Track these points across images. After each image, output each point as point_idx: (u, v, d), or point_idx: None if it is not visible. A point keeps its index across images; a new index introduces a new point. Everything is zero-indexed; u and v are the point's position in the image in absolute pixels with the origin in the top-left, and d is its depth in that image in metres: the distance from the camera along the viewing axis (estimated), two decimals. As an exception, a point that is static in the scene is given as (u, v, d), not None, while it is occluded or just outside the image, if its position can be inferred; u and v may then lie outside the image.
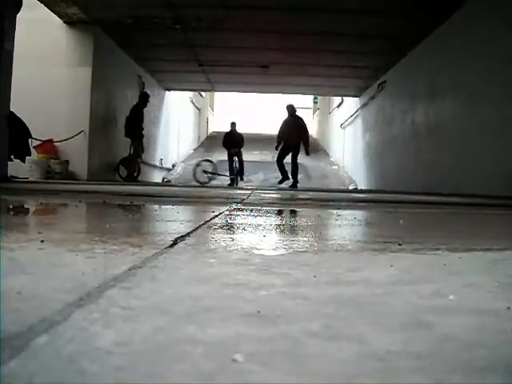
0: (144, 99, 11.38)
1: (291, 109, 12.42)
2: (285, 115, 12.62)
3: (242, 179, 14.70)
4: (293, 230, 2.07)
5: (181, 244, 1.46)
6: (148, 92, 11.87)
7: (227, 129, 15.11)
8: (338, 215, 3.08)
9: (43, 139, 9.09)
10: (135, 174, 11.42)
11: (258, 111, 34.13)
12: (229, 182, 14.58)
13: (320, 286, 0.97)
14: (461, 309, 0.82)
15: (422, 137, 10.03)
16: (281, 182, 12.69)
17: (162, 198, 4.82)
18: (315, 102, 28.50)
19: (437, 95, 9.22)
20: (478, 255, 1.45)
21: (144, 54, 11.99)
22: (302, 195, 6.41)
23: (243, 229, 2.06)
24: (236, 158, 14.62)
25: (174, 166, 17.59)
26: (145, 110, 11.49)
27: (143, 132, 11.65)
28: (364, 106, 14.86)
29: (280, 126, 12.55)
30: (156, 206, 3.66)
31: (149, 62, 12.71)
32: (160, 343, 0.62)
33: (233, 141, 14.44)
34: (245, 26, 9.65)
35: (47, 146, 9.35)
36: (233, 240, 1.65)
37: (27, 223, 2.25)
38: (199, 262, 1.20)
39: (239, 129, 15.01)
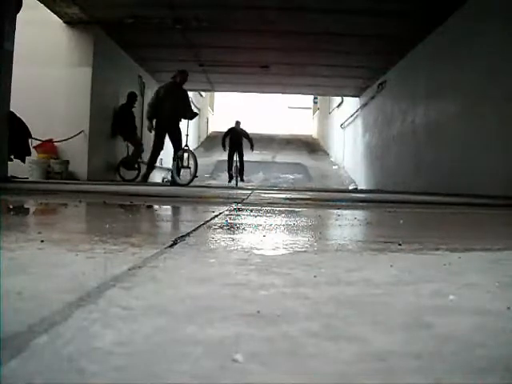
0: (131, 99, 11.32)
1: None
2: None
3: (242, 180, 14.71)
4: (293, 230, 2.07)
5: (181, 244, 1.46)
6: (135, 91, 11.81)
7: (226, 129, 15.15)
8: (338, 215, 3.08)
9: (43, 139, 9.09)
10: (134, 176, 11.39)
11: (257, 111, 34.12)
12: (228, 179, 14.62)
13: (320, 285, 0.97)
14: (461, 309, 0.82)
15: (421, 137, 10.03)
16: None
17: (162, 197, 4.82)
18: (315, 102, 28.53)
19: (437, 95, 9.22)
20: (478, 255, 1.45)
21: (144, 54, 11.99)
22: (302, 195, 6.41)
23: (243, 229, 2.06)
24: (237, 158, 14.65)
25: (174, 166, 17.58)
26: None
27: (136, 131, 11.62)
28: (364, 106, 14.86)
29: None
30: (156, 206, 3.66)
31: (149, 62, 12.71)
32: (160, 343, 0.61)
33: (235, 136, 14.49)
34: (245, 26, 9.65)
35: (47, 146, 9.35)
36: (233, 240, 1.65)
37: (27, 223, 2.25)
38: (199, 261, 1.20)
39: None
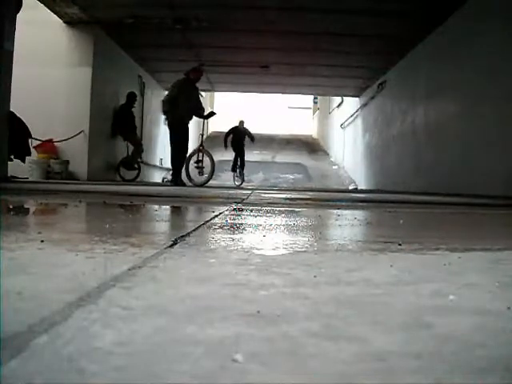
0: (131, 99, 11.34)
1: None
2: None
3: (242, 180, 14.73)
4: (293, 230, 2.07)
5: (181, 244, 1.46)
6: (135, 91, 11.83)
7: (227, 129, 15.16)
8: (338, 215, 3.08)
9: (43, 139, 9.09)
10: (134, 176, 11.42)
11: (257, 111, 34.12)
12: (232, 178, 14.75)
13: (320, 285, 0.97)
14: (461, 309, 0.82)
15: (421, 137, 10.03)
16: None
17: (161, 197, 4.82)
18: (315, 102, 28.53)
19: (437, 95, 9.22)
20: (478, 255, 1.45)
21: (144, 54, 11.98)
22: (302, 195, 6.41)
23: (243, 229, 2.06)
24: (239, 158, 14.69)
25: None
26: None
27: (136, 131, 11.64)
28: (364, 106, 14.86)
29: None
30: (156, 206, 3.66)
31: (149, 62, 12.72)
32: (160, 343, 0.61)
33: (238, 136, 14.52)
34: (245, 26, 9.66)
35: (47, 146, 9.35)
36: (233, 240, 1.65)
37: (27, 223, 2.25)
38: (199, 261, 1.20)
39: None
